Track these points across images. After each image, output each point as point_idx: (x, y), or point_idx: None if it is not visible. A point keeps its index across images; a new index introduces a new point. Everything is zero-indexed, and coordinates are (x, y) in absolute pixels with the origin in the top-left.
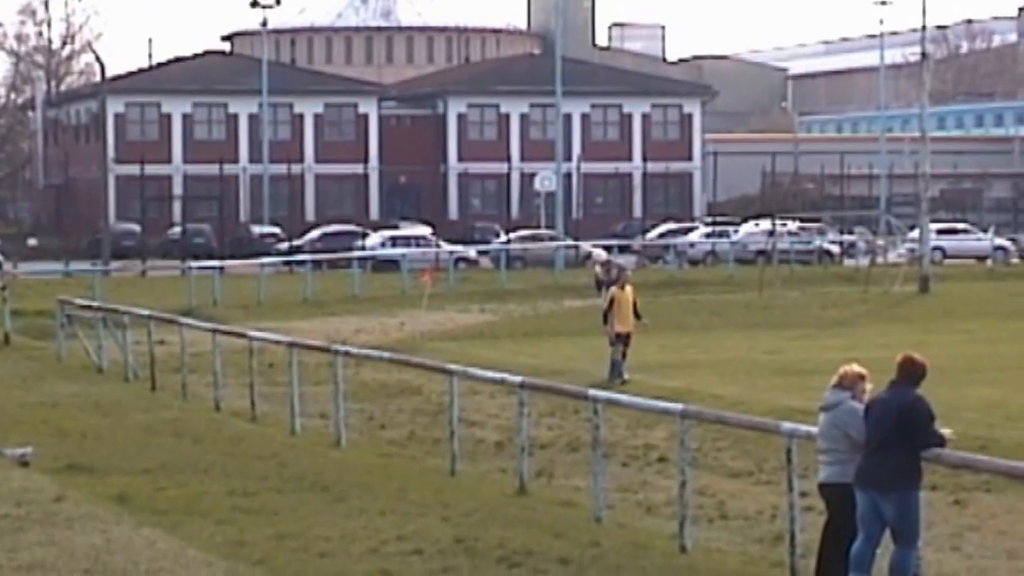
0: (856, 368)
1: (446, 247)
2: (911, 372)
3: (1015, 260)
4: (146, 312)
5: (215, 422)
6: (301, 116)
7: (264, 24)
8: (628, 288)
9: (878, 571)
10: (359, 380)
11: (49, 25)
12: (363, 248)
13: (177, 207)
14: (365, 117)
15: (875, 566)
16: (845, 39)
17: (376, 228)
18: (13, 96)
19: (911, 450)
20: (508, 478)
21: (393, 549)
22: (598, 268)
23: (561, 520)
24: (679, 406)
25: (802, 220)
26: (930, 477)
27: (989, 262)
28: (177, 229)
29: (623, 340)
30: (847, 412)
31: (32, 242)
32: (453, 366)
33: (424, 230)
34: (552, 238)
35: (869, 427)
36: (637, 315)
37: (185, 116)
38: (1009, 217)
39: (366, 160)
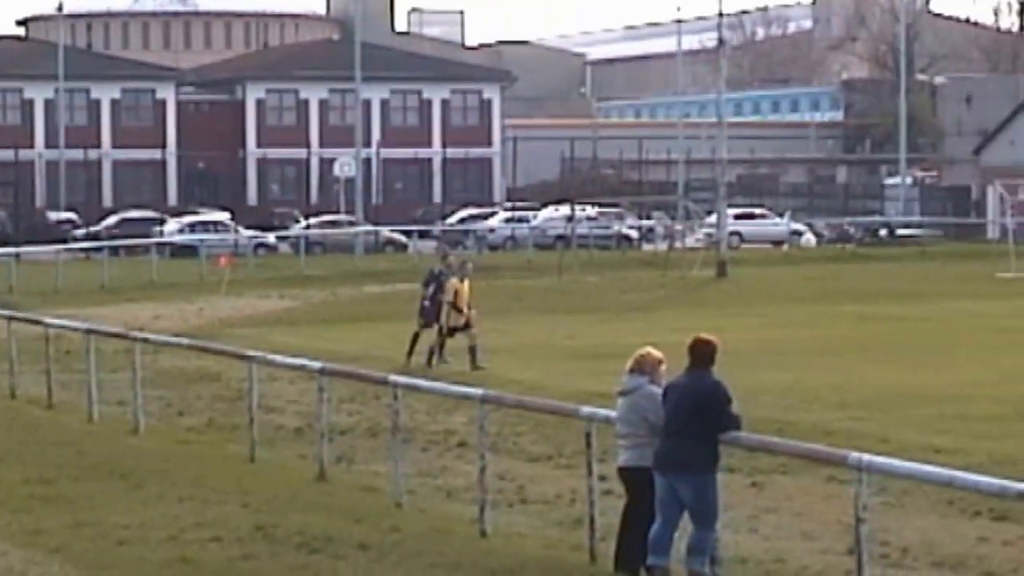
0: (654, 352)
1: (245, 233)
2: (703, 353)
3: (810, 243)
4: None
5: (11, 410)
6: (98, 101)
7: (60, 8)
8: (467, 282)
9: (676, 553)
10: (157, 367)
11: None
12: (161, 234)
13: None
14: (163, 103)
15: (673, 549)
16: (643, 25)
17: (174, 214)
18: None
19: (708, 433)
20: (308, 464)
21: (192, 536)
22: (441, 262)
23: (361, 505)
24: (479, 391)
25: (601, 205)
26: (728, 460)
27: (785, 246)
28: None
29: (452, 333)
30: (645, 396)
31: None
32: (252, 352)
33: (223, 216)
34: (351, 224)
35: (667, 411)
36: (469, 307)
37: None
38: (805, 202)
39: (164, 146)
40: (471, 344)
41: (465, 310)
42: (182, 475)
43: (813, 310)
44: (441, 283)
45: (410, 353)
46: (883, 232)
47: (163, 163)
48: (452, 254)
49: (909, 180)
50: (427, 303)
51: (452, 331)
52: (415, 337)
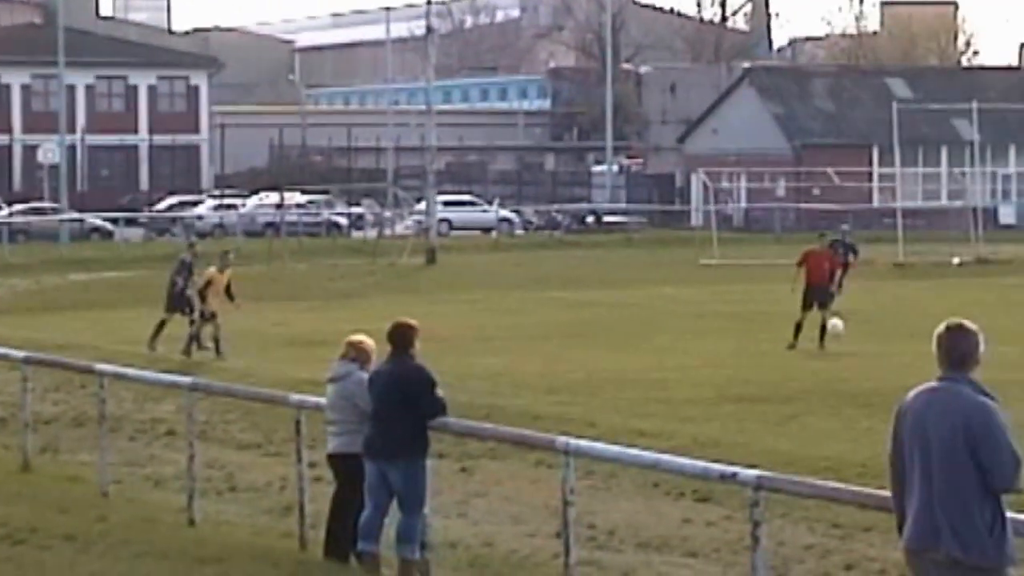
0: (364, 339)
1: None
2: (403, 338)
3: (519, 232)
4: None
5: None
6: None
7: None
8: (227, 271)
9: (386, 539)
10: None
11: None
12: None
13: None
14: None
15: (383, 535)
16: (351, 12)
17: None
18: None
19: (416, 419)
20: (12, 455)
21: None
22: (188, 250)
23: (67, 496)
24: (187, 379)
25: (310, 193)
26: (437, 445)
27: (494, 234)
28: None
29: (213, 318)
30: (354, 383)
31: None
32: None
33: None
34: (56, 211)
35: (373, 398)
36: (230, 297)
37: None
38: (513, 189)
39: None
40: (215, 335)
41: (211, 299)
42: None
43: (521, 296)
44: (192, 272)
45: (154, 339)
46: (590, 219)
47: None
48: (199, 243)
49: (615, 168)
50: (182, 292)
51: (209, 317)
52: (161, 324)
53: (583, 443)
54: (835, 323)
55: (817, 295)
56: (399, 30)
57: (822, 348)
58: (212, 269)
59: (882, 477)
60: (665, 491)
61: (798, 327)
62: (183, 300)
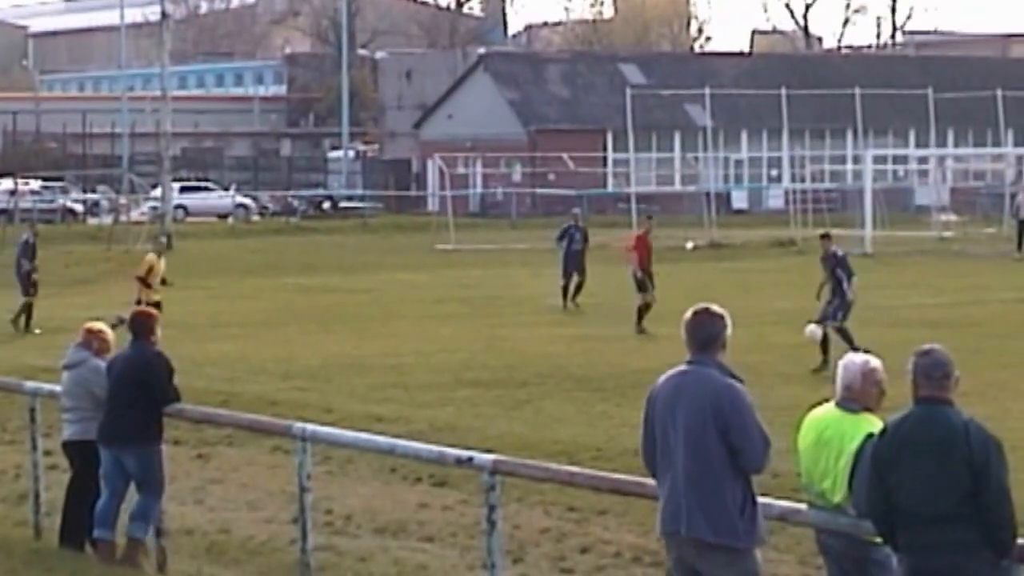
0: (97, 325)
1: None
2: (143, 325)
3: (255, 217)
4: None
5: None
6: None
7: None
8: (163, 257)
9: (122, 527)
10: None
11: None
12: None
13: None
14: None
15: (119, 522)
16: None
17: None
18: None
19: (151, 405)
20: None
21: None
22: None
23: None
24: None
25: (45, 179)
26: (174, 432)
27: (230, 220)
28: None
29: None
30: (91, 370)
31: None
32: None
33: None
34: None
35: (111, 383)
36: (164, 281)
37: None
38: (250, 175)
39: None
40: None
41: (155, 286)
42: None
43: (258, 283)
44: (35, 252)
45: (27, 323)
46: (327, 205)
47: None
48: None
49: (351, 154)
50: (28, 273)
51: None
52: (27, 307)
53: (320, 429)
54: (812, 329)
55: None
56: (134, 15)
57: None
58: (151, 256)
59: (616, 460)
60: (402, 476)
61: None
62: (29, 280)
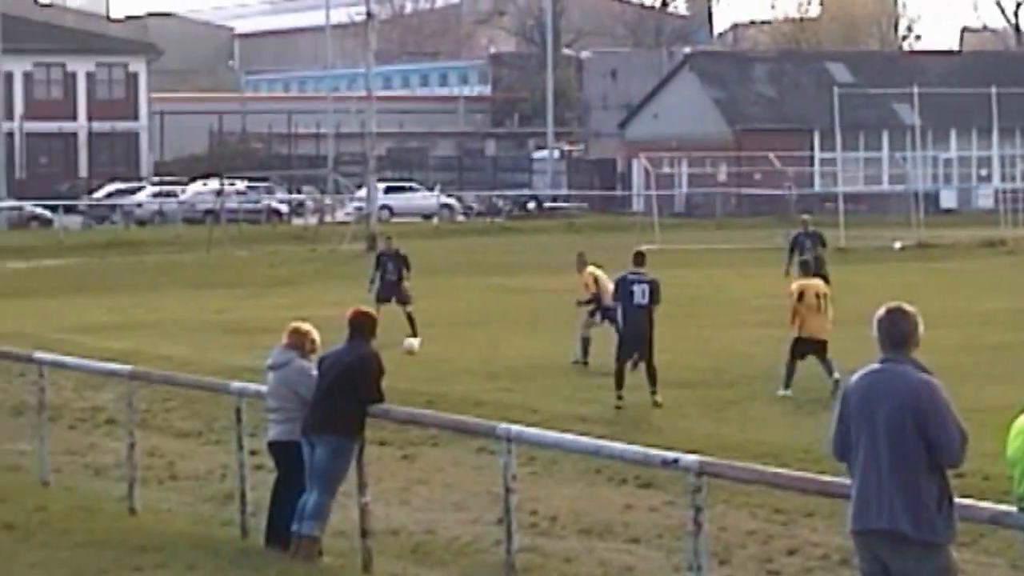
0: (304, 326)
1: None
2: (361, 325)
3: (460, 217)
4: None
5: None
6: None
7: None
8: None
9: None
10: None
11: None
12: None
13: None
14: None
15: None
16: None
17: None
18: None
19: (356, 402)
20: None
21: None
22: None
23: (6, 485)
24: (127, 367)
25: (250, 179)
26: (379, 433)
27: (435, 220)
28: None
29: None
30: (295, 371)
31: None
32: None
33: None
34: None
35: (320, 378)
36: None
37: None
38: (454, 175)
39: None
40: None
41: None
42: None
43: (462, 283)
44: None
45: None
46: (531, 205)
47: None
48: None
49: (556, 154)
50: None
51: None
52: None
53: (524, 429)
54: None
55: None
56: (339, 15)
57: None
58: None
59: (823, 462)
60: (607, 477)
61: None
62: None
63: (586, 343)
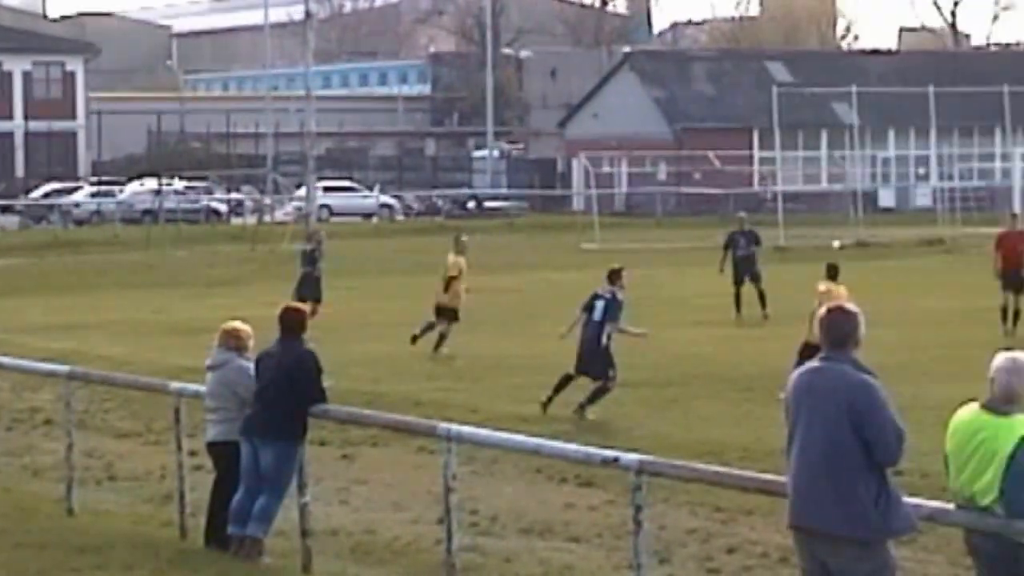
0: (240, 325)
1: None
2: (292, 322)
3: (400, 217)
4: None
5: None
6: None
7: None
8: None
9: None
10: None
11: None
12: None
13: None
14: None
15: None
16: None
17: None
18: None
19: (297, 403)
20: None
21: None
22: None
23: None
24: (65, 368)
25: (189, 179)
26: (319, 432)
27: (375, 219)
28: None
29: None
30: (234, 371)
31: None
32: None
33: None
34: None
35: (259, 379)
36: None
37: None
38: (394, 175)
39: None
40: None
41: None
42: None
43: (403, 282)
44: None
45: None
46: (471, 205)
47: None
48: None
49: (496, 153)
50: None
51: None
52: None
53: (465, 429)
54: None
55: (1012, 278)
56: (278, 15)
57: (1013, 332)
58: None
59: (764, 460)
60: (548, 476)
61: (1004, 311)
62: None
63: (432, 327)
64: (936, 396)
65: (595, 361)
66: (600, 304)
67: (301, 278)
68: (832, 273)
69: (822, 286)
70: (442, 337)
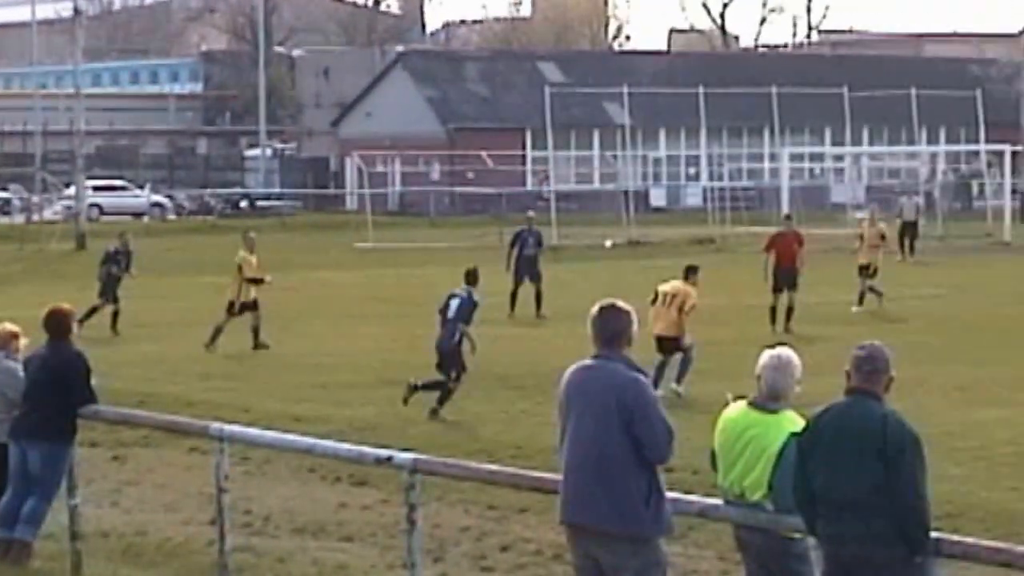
0: (9, 326)
1: None
2: (58, 324)
3: (171, 216)
4: None
5: None
6: None
7: None
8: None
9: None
10: None
11: None
12: None
13: None
14: None
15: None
16: None
17: None
18: None
19: (66, 404)
20: None
21: None
22: None
23: None
24: None
25: None
26: (89, 434)
27: (146, 219)
28: None
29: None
30: (3, 371)
31: None
32: None
33: None
34: None
35: (28, 381)
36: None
37: None
38: (165, 174)
39: None
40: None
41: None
42: None
43: (175, 282)
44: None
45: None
46: (244, 204)
47: None
48: None
49: (269, 152)
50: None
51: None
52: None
53: (237, 429)
54: None
55: (785, 276)
56: (45, 11)
57: (788, 331)
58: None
59: (536, 458)
60: (321, 476)
61: (772, 311)
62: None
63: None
64: (706, 394)
65: (453, 359)
66: (455, 303)
67: (107, 278)
68: (688, 273)
69: (666, 287)
70: (218, 331)
